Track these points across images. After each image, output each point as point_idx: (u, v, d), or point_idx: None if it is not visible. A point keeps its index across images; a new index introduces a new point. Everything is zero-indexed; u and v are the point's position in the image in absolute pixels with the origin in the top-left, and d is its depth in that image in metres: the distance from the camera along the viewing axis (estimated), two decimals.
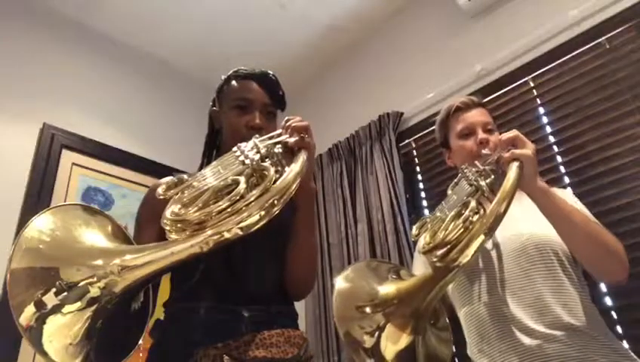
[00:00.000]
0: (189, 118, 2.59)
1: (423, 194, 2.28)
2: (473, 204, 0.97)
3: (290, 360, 1.01)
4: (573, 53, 1.87)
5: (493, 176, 1.05)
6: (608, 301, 1.56)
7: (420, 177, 2.31)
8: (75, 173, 2.26)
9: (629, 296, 1.54)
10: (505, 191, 0.94)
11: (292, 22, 2.67)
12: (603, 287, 1.57)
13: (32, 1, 2.42)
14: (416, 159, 2.35)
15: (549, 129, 1.88)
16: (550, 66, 1.93)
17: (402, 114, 2.38)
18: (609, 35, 1.79)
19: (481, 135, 1.29)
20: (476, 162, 1.12)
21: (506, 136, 1.10)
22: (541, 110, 1.94)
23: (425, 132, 2.31)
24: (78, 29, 2.56)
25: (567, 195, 1.24)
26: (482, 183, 1.03)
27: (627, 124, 1.68)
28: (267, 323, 1.03)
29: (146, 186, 1.99)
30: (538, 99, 1.95)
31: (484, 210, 0.94)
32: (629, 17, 1.76)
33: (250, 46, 2.72)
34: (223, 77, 1.26)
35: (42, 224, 0.79)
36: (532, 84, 1.97)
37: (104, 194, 2.32)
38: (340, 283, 1.03)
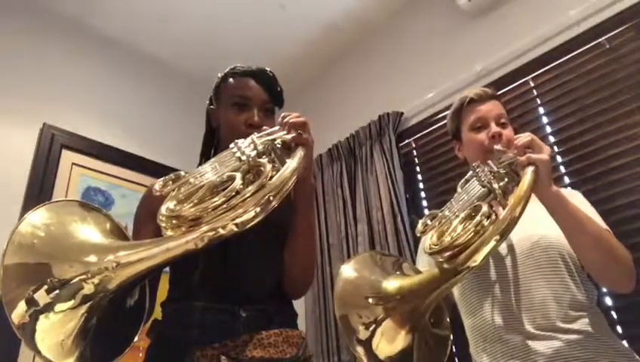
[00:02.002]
0: (189, 117, 2.58)
1: (423, 194, 2.28)
2: (485, 208, 0.94)
3: (289, 360, 1.00)
4: (573, 53, 1.87)
5: (506, 179, 1.03)
6: (608, 301, 1.56)
7: (419, 177, 2.31)
8: (75, 173, 2.26)
9: (629, 296, 1.53)
10: (519, 196, 0.92)
11: (292, 22, 2.67)
12: (603, 287, 1.56)
13: (33, 1, 2.42)
14: (416, 159, 2.35)
15: (549, 129, 1.88)
16: (550, 66, 1.92)
17: (402, 114, 2.38)
18: (609, 35, 1.79)
19: (494, 128, 1.26)
20: (489, 161, 1.08)
21: (522, 139, 1.07)
22: (541, 110, 1.93)
23: (425, 132, 2.32)
24: (78, 29, 2.56)
25: (577, 198, 1.22)
26: (495, 186, 1.00)
27: (627, 124, 1.68)
28: (265, 322, 1.02)
29: (146, 186, 1.98)
30: (538, 99, 1.95)
31: (496, 215, 0.91)
32: (629, 17, 1.76)
33: (250, 46, 2.72)
34: (220, 74, 1.25)
35: (37, 219, 0.78)
36: (532, 84, 1.97)
37: (104, 194, 2.32)
38: (346, 270, 1.03)
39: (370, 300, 0.98)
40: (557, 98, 1.88)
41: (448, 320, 1.07)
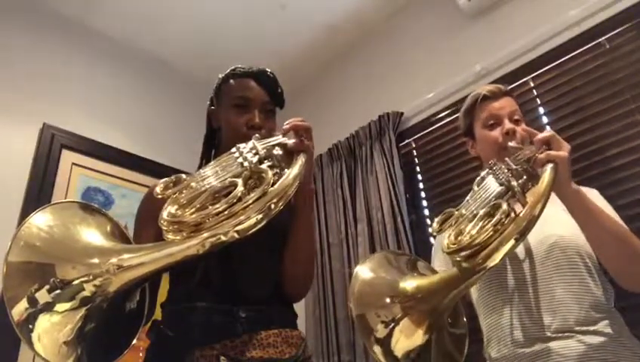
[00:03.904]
0: (189, 117, 2.58)
1: (423, 194, 2.28)
2: (505, 206, 0.92)
3: (288, 361, 1.01)
4: (573, 53, 1.87)
5: (525, 177, 1.01)
6: None
7: (420, 177, 2.31)
8: (74, 173, 2.26)
9: (629, 296, 1.53)
10: (539, 193, 0.91)
11: (292, 22, 2.67)
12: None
13: (33, 0, 2.42)
14: (416, 159, 2.35)
15: (549, 129, 1.87)
16: (550, 66, 1.92)
17: (402, 114, 2.38)
18: (609, 35, 1.79)
19: (507, 125, 1.25)
20: (507, 159, 1.06)
21: (541, 135, 1.06)
22: (541, 110, 1.94)
23: (425, 132, 2.32)
24: (78, 28, 2.56)
25: (595, 196, 1.21)
26: (514, 184, 0.98)
27: (627, 124, 1.68)
28: (264, 323, 1.03)
29: (146, 186, 1.99)
30: (538, 99, 1.95)
31: (516, 213, 0.90)
32: (629, 17, 1.76)
33: (250, 46, 2.72)
34: (221, 75, 1.26)
35: (41, 220, 0.79)
36: (532, 84, 1.97)
37: (104, 194, 2.32)
38: (362, 271, 1.02)
39: (388, 299, 0.97)
40: (557, 98, 1.88)
41: (465, 319, 1.06)
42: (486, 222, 0.92)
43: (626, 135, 1.67)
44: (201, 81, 2.81)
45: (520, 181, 1.00)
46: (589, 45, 1.83)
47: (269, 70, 1.24)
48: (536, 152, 1.05)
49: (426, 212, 2.23)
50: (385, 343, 0.92)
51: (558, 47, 1.92)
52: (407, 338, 0.93)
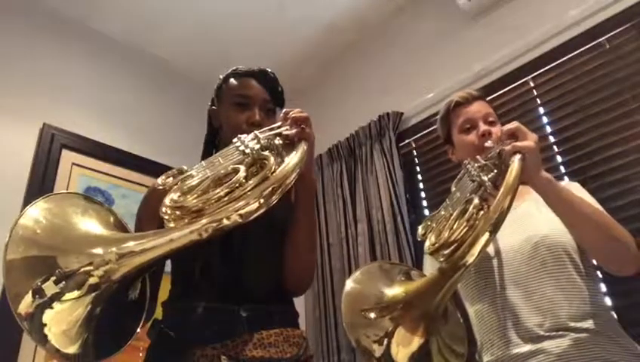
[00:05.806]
0: (189, 117, 2.58)
1: (423, 194, 2.28)
2: (476, 201, 0.95)
3: (289, 360, 1.00)
4: (573, 53, 1.87)
5: (495, 171, 1.03)
6: (608, 301, 1.56)
7: (420, 177, 2.31)
8: (74, 173, 2.26)
9: (629, 296, 1.53)
10: (507, 185, 0.92)
11: (292, 22, 2.67)
12: (603, 287, 1.56)
13: (33, 1, 2.42)
14: (416, 159, 2.35)
15: (549, 129, 1.88)
16: (550, 66, 1.93)
17: (402, 114, 2.38)
18: (609, 35, 1.79)
19: (482, 127, 1.27)
20: (478, 157, 1.09)
21: (506, 128, 1.08)
22: (541, 110, 1.94)
23: (425, 132, 2.32)
24: (78, 28, 2.56)
25: (573, 187, 1.22)
26: (484, 178, 1.01)
27: (627, 124, 1.68)
28: (266, 322, 1.02)
29: (146, 186, 1.99)
30: (538, 99, 1.95)
31: (488, 207, 0.92)
32: (629, 17, 1.76)
33: (251, 46, 2.72)
34: (221, 76, 1.27)
35: (38, 212, 0.78)
36: (532, 84, 1.97)
37: (104, 194, 2.31)
38: (349, 285, 1.01)
39: (374, 314, 0.96)
40: (557, 98, 1.88)
41: (460, 318, 1.06)
42: (461, 218, 0.94)
43: (626, 135, 1.67)
44: (201, 81, 2.81)
45: (490, 175, 1.02)
46: (589, 45, 1.83)
47: (269, 70, 1.25)
48: (502, 145, 1.06)
49: (426, 212, 2.23)
50: (387, 360, 0.91)
51: (558, 47, 1.92)
52: (406, 347, 0.93)
